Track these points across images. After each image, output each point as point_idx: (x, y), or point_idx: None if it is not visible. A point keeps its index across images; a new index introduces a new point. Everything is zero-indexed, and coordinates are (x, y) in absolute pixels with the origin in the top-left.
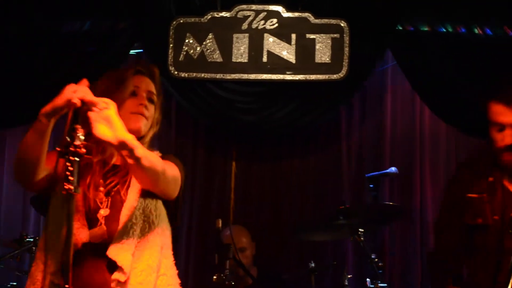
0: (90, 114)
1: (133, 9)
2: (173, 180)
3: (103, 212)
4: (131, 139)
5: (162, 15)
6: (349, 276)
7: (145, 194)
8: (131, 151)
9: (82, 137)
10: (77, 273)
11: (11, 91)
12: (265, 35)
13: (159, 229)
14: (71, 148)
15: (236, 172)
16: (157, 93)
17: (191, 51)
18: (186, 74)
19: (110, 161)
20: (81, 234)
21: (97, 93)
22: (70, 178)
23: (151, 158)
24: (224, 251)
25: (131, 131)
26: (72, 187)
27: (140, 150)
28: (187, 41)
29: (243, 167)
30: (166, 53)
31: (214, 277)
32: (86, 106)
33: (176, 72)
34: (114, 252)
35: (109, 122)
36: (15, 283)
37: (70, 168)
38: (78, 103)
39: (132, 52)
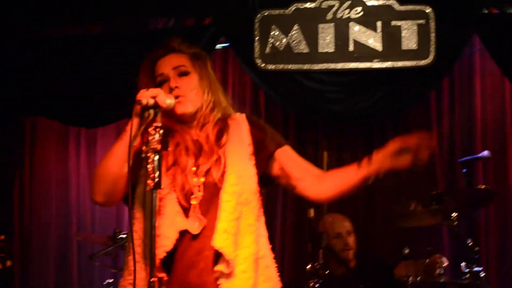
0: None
1: (217, 4)
2: None
3: (197, 199)
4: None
5: (246, 9)
6: (445, 264)
7: (242, 176)
8: None
9: (158, 135)
10: (176, 263)
11: (102, 89)
12: (351, 24)
13: (255, 210)
14: (150, 146)
15: (328, 162)
16: (190, 60)
17: (277, 43)
18: (273, 66)
19: (191, 136)
20: (177, 223)
21: (139, 86)
22: (152, 175)
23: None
24: (317, 240)
25: (181, 117)
26: (153, 184)
27: None
28: (272, 33)
29: (334, 156)
30: (252, 46)
31: (308, 266)
32: (157, 106)
33: (263, 65)
34: (221, 243)
35: None
36: (111, 280)
37: (151, 166)
38: (149, 102)
39: (218, 46)
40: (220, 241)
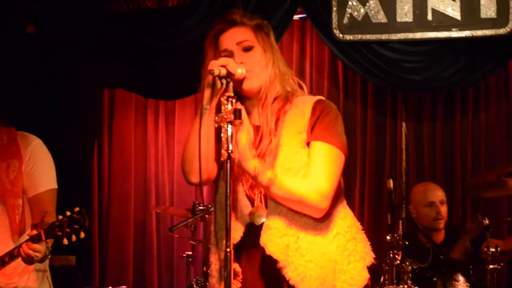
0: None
1: None
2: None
3: (259, 188)
4: (251, 165)
5: None
6: None
7: (291, 169)
8: (254, 179)
9: (230, 106)
10: (244, 255)
11: (180, 61)
12: None
13: None
14: (224, 116)
15: (406, 133)
16: (253, 33)
17: (355, 13)
18: (351, 37)
19: (253, 122)
20: (244, 215)
21: (206, 61)
22: (225, 144)
23: (284, 184)
24: (397, 211)
25: (248, 93)
26: (227, 153)
27: (265, 177)
28: (350, 3)
29: (413, 127)
30: (329, 17)
31: (388, 237)
32: (230, 75)
33: (341, 35)
34: (265, 239)
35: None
36: (190, 253)
37: (224, 136)
38: (221, 71)
39: (296, 17)
40: (264, 237)
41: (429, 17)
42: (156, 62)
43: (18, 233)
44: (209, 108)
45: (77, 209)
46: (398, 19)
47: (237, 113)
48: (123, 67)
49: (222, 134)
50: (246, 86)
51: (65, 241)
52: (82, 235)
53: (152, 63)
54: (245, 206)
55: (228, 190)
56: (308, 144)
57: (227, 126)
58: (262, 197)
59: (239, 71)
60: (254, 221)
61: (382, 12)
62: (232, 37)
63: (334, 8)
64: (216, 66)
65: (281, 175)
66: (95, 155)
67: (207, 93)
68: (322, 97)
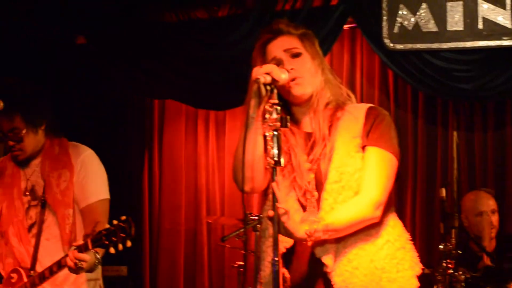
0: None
1: None
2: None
3: (312, 194)
4: (302, 232)
5: None
6: None
7: (344, 173)
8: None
9: (275, 113)
10: (295, 259)
11: (231, 71)
12: (479, 1)
13: None
14: (269, 123)
15: (457, 141)
16: (300, 41)
17: (406, 22)
18: (401, 46)
19: (303, 129)
20: (296, 220)
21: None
22: (271, 152)
23: (339, 222)
24: (450, 220)
25: (299, 99)
26: (273, 161)
27: (320, 233)
28: (400, 12)
29: (464, 136)
30: (380, 26)
31: (441, 246)
32: (274, 81)
33: (391, 44)
34: (315, 243)
35: None
36: (241, 263)
37: (270, 143)
38: (266, 78)
39: (346, 27)
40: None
41: (480, 25)
42: (207, 72)
43: (69, 243)
44: (256, 116)
45: (123, 217)
46: (449, 28)
47: (283, 121)
48: (174, 78)
49: (269, 142)
50: (297, 92)
51: (112, 250)
52: (129, 244)
53: (202, 74)
54: (297, 211)
55: (275, 197)
56: (363, 148)
57: (273, 134)
58: (315, 202)
59: (283, 77)
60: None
61: (432, 21)
62: (280, 45)
63: (385, 18)
64: (261, 74)
65: (330, 216)
66: (146, 166)
67: (253, 101)
68: (373, 105)
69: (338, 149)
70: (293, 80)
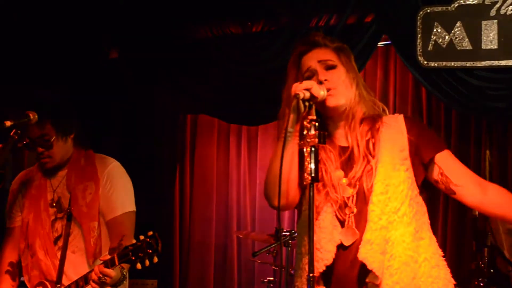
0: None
1: (379, 1)
2: None
3: (351, 209)
4: None
5: (408, 6)
6: None
7: (390, 185)
8: None
9: (313, 129)
10: (333, 276)
11: (264, 87)
12: None
13: (407, 218)
14: (307, 140)
15: (490, 160)
16: (335, 54)
17: (440, 40)
18: (435, 64)
19: (337, 143)
20: (335, 236)
21: (288, 84)
22: (308, 168)
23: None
24: (482, 238)
25: (333, 111)
26: (310, 177)
27: None
28: (435, 30)
29: (496, 154)
30: (414, 44)
31: (472, 264)
32: (314, 97)
33: (425, 62)
34: (364, 254)
35: None
36: (271, 278)
37: (308, 159)
38: (305, 95)
39: (380, 44)
40: (363, 252)
41: None
42: (239, 88)
43: (93, 256)
44: (294, 132)
45: (150, 233)
46: (483, 46)
47: (321, 137)
48: (206, 93)
49: (306, 158)
50: (331, 103)
51: (139, 266)
52: (155, 259)
53: (235, 89)
54: (335, 227)
55: (312, 214)
56: (426, 160)
57: (311, 150)
58: (353, 217)
59: (322, 93)
60: (344, 242)
61: (467, 39)
62: (315, 57)
63: (419, 35)
64: (301, 90)
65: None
66: (177, 180)
67: (292, 116)
68: (404, 114)
69: (383, 162)
70: (327, 90)
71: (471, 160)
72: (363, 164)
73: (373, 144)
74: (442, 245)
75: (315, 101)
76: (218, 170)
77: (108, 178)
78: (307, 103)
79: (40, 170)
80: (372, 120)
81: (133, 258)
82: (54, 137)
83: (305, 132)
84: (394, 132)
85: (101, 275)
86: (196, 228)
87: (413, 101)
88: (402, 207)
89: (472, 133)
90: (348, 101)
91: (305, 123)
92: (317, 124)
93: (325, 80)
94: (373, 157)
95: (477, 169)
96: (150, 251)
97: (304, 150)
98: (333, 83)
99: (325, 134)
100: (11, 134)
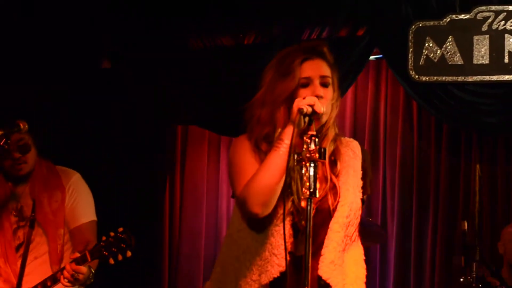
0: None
1: (371, 15)
2: None
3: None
4: None
5: (400, 20)
6: None
7: (352, 210)
8: None
9: (313, 145)
10: (288, 283)
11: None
12: (506, 35)
13: (357, 244)
14: (306, 154)
15: (480, 174)
16: (331, 71)
17: (431, 55)
18: (427, 78)
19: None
20: (288, 245)
21: (263, 84)
22: (307, 183)
23: None
24: (471, 253)
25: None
26: (308, 192)
27: None
28: (427, 44)
29: (487, 169)
30: (405, 58)
31: (461, 279)
32: (316, 113)
33: (416, 76)
34: (328, 273)
35: None
36: None
37: (307, 174)
38: (308, 110)
39: (372, 58)
40: (327, 271)
41: (506, 59)
42: (231, 99)
43: (58, 262)
44: (289, 144)
45: (121, 229)
46: (475, 61)
47: (322, 152)
48: (198, 104)
49: (305, 173)
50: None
51: (111, 261)
52: (129, 253)
53: (227, 100)
54: (290, 235)
55: (309, 228)
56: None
57: (310, 165)
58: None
59: (322, 110)
60: (295, 251)
61: (458, 54)
62: (318, 69)
63: (411, 49)
64: (304, 105)
65: None
66: (167, 191)
67: (290, 129)
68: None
69: (347, 184)
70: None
71: (461, 174)
72: (328, 183)
73: (336, 164)
74: (432, 260)
75: (316, 117)
76: (208, 182)
77: (73, 190)
78: (307, 118)
79: (9, 177)
80: (337, 141)
81: (106, 253)
82: (31, 141)
83: (305, 147)
84: (353, 157)
85: (73, 272)
86: (185, 240)
87: (404, 115)
88: (355, 234)
89: (463, 147)
90: (328, 120)
91: (305, 138)
92: (317, 139)
93: (321, 97)
94: (337, 176)
95: (467, 183)
96: (124, 245)
97: (303, 164)
98: (325, 101)
99: (326, 149)
100: (1, 143)
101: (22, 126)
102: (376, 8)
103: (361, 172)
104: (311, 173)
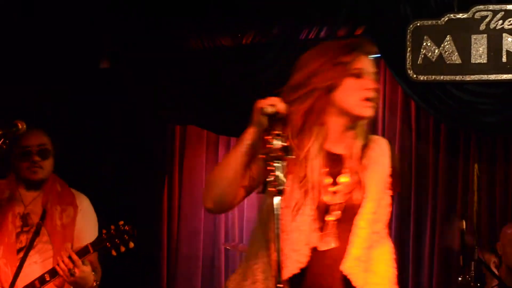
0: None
1: (369, 14)
2: None
3: (333, 215)
4: None
5: (398, 19)
6: None
7: (380, 206)
8: None
9: (279, 142)
10: (304, 280)
11: (254, 99)
12: (504, 35)
13: (385, 241)
14: (271, 154)
15: (478, 174)
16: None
17: (429, 54)
18: (425, 77)
19: (328, 149)
20: (312, 239)
21: (305, 70)
22: (274, 182)
23: None
24: (469, 252)
25: (361, 120)
26: (275, 190)
27: None
28: (424, 44)
29: (485, 169)
30: (403, 57)
31: (459, 278)
32: (278, 113)
33: (415, 76)
34: (350, 269)
35: None
36: None
37: (273, 173)
38: (269, 110)
39: (370, 57)
40: (350, 267)
41: (504, 59)
42: (229, 99)
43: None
44: (250, 143)
45: (121, 222)
46: (473, 61)
47: (287, 150)
48: (196, 104)
49: (271, 172)
50: (370, 113)
51: (114, 253)
52: (132, 244)
53: (225, 100)
54: (313, 231)
55: (278, 225)
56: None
57: (275, 164)
58: (335, 225)
59: (285, 109)
60: (319, 247)
61: (456, 53)
62: (369, 64)
63: (409, 49)
64: (265, 104)
65: None
66: (165, 191)
67: (253, 129)
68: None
69: (374, 180)
70: (369, 99)
71: (459, 173)
72: (355, 177)
73: (366, 159)
74: (430, 259)
75: (278, 116)
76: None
77: (84, 211)
78: (271, 118)
79: (16, 182)
80: (365, 137)
81: (109, 245)
82: (52, 148)
83: (269, 146)
84: (381, 154)
85: (72, 266)
86: (183, 239)
87: (402, 114)
88: (383, 231)
89: (461, 146)
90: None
91: (269, 137)
92: (283, 138)
93: (378, 89)
94: (363, 172)
95: (465, 183)
96: (127, 237)
97: (269, 163)
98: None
99: (289, 147)
100: None
101: (20, 126)
102: (376, 7)
103: (390, 169)
104: (277, 172)
